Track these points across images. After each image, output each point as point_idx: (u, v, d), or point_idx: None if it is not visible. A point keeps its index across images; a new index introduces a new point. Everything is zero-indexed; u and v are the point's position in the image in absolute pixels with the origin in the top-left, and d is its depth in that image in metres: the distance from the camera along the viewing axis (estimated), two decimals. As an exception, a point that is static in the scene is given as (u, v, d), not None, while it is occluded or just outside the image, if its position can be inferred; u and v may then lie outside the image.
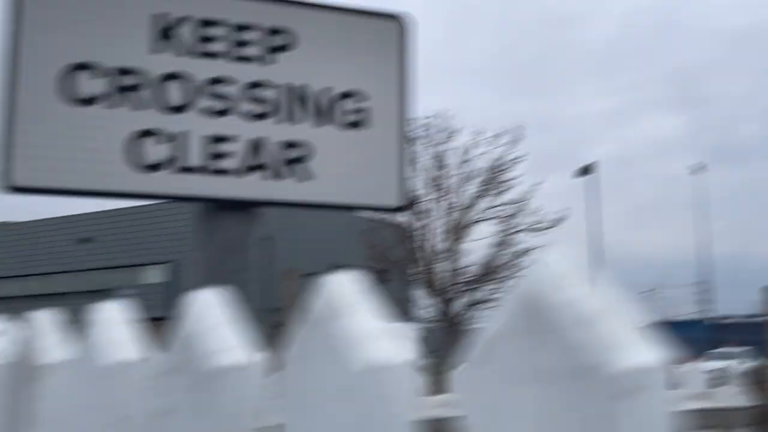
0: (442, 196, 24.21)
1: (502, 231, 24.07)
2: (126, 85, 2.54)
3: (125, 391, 1.26)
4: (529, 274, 0.80)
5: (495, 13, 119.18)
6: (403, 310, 27.60)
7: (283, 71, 2.75)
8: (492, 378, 0.81)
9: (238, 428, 1.03)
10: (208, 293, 1.15)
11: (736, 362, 24.77)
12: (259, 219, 2.78)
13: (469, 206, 24.21)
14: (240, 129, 2.68)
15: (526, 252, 23.07)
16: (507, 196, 23.93)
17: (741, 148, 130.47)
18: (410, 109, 2.98)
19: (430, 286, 24.10)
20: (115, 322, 1.36)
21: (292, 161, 2.74)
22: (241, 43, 2.71)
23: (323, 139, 2.79)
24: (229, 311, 1.12)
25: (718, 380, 21.76)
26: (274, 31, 2.75)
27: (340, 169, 2.84)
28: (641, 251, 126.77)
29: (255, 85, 2.70)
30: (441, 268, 24.17)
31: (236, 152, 2.66)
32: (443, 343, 22.75)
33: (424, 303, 25.36)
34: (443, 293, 24.04)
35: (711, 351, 27.25)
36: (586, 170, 19.77)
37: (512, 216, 23.75)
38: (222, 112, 2.66)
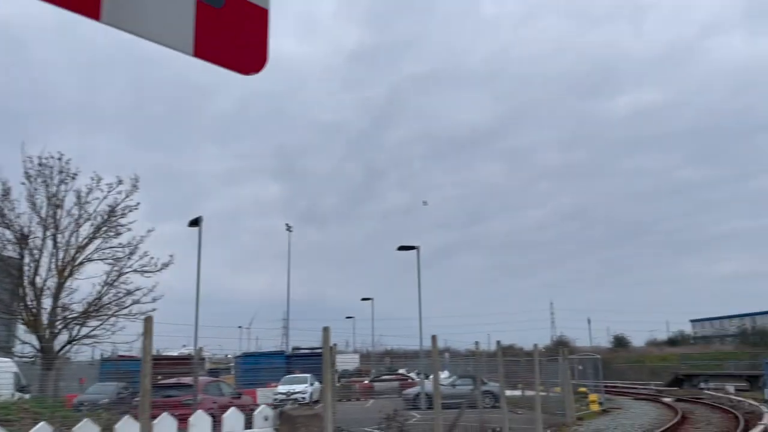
0: (54, 234, 24.29)
1: (112, 271, 25.22)
2: None
3: None
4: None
5: (132, 68, 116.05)
6: (3, 344, 26.18)
7: None
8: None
9: None
10: None
11: (301, 386, 30.30)
12: None
13: (81, 246, 24.78)
14: None
15: (133, 292, 24.71)
16: (120, 239, 25.27)
17: (322, 214, 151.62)
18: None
19: (33, 321, 23.76)
20: None
21: None
22: None
23: None
24: None
25: (283, 401, 26.32)
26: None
27: None
28: (243, 291, 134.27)
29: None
30: (46, 304, 24.06)
31: None
32: (41, 378, 22.76)
33: (25, 338, 24.70)
34: (46, 328, 23.93)
35: (286, 377, 32.44)
36: (195, 222, 22.75)
37: (123, 258, 25.14)
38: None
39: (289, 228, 57.03)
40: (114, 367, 29.39)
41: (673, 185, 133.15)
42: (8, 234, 23.81)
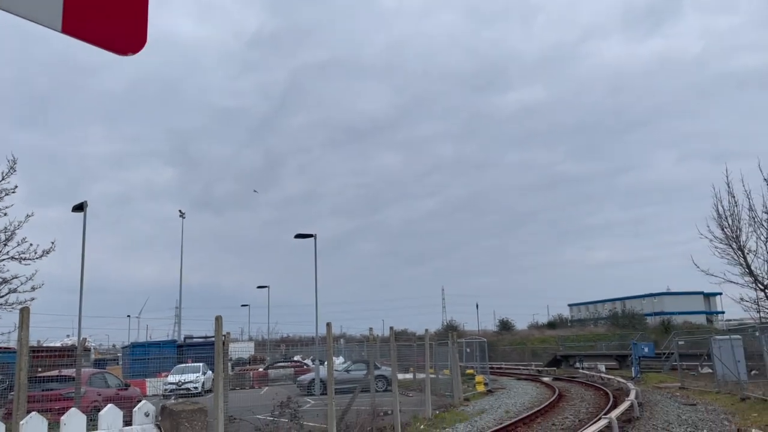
0: None
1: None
2: None
3: None
4: None
5: (11, 43, 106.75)
6: None
7: None
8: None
9: None
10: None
11: (193, 376, 29.45)
12: None
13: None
14: None
15: (9, 280, 22.92)
16: (-5, 225, 23.33)
17: (218, 201, 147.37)
18: None
19: None
20: None
21: None
22: None
23: None
24: None
25: (174, 391, 25.42)
26: None
27: None
28: (134, 280, 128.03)
29: None
30: None
31: None
32: None
33: None
34: None
35: (177, 366, 31.40)
36: (80, 207, 21.49)
37: (-1, 245, 23.28)
38: None
39: (182, 214, 55.05)
40: (-12, 359, 27.29)
41: (555, 178, 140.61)
42: None
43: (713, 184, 20.73)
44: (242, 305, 70.25)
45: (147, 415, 3.10)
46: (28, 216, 24.45)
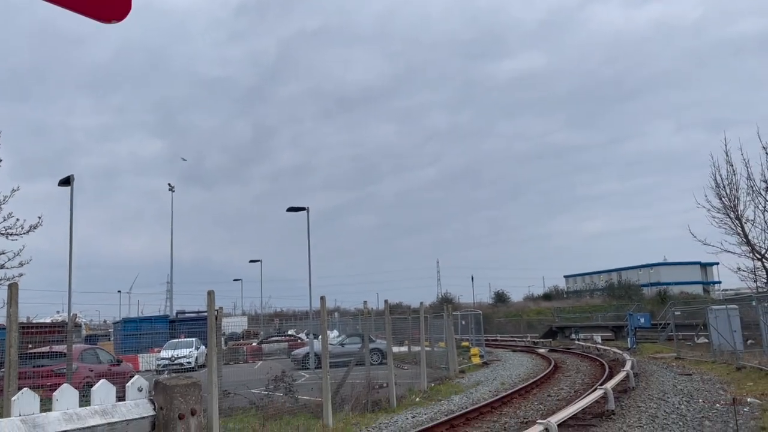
0: None
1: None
2: None
3: None
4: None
5: None
6: None
7: None
8: None
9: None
10: None
11: (185, 351, 29.64)
12: None
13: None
14: None
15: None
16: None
17: (208, 174, 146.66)
18: None
19: None
20: None
21: None
22: None
23: None
24: None
25: (167, 366, 25.56)
26: None
27: None
28: (124, 254, 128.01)
29: None
30: None
31: None
32: None
33: None
34: None
35: (169, 341, 31.58)
36: (67, 180, 21.33)
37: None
38: None
39: (171, 188, 54.86)
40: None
41: (551, 148, 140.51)
42: None
43: (711, 153, 20.78)
44: (234, 280, 70.70)
45: (140, 390, 3.13)
46: (13, 190, 24.21)
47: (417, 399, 17.42)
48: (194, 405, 3.14)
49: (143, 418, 2.90)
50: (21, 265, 23.96)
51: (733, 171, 18.98)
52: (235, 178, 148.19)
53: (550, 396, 17.91)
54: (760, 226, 18.31)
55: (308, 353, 27.81)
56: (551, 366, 26.84)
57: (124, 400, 2.92)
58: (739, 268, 18.90)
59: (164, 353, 29.12)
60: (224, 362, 18.25)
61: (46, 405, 2.82)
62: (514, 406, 16.10)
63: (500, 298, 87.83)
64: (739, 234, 18.76)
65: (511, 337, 56.63)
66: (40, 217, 24.44)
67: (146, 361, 27.52)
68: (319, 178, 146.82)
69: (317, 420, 12.97)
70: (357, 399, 15.34)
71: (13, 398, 2.58)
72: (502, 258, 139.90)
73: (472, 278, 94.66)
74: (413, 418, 14.51)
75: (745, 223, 18.66)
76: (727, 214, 19.08)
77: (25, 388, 2.71)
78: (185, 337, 31.52)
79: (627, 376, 17.98)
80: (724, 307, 29.32)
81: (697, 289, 78.29)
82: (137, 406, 2.91)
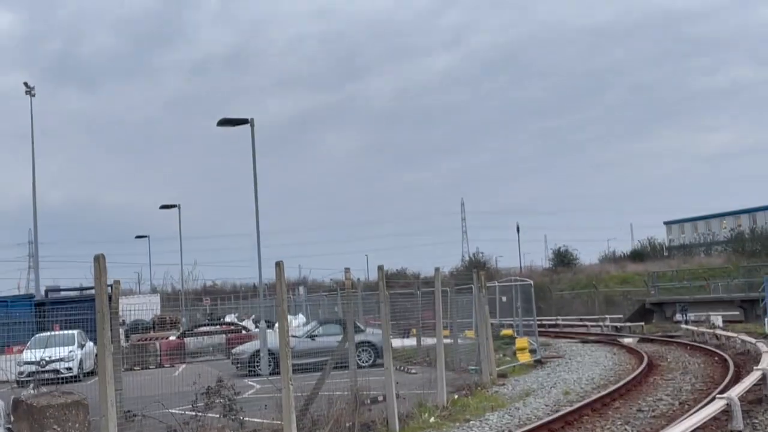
0: None
1: None
2: None
3: None
4: None
5: None
6: None
7: None
8: None
9: None
10: None
11: (64, 350, 29.89)
12: None
13: None
14: None
15: None
16: None
17: (89, 66, 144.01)
18: None
19: None
20: None
21: None
22: None
23: None
24: None
25: (35, 374, 26.00)
26: None
27: None
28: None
29: None
30: None
31: None
32: None
33: None
34: None
35: (36, 336, 31.83)
36: None
37: None
38: None
39: (29, 90, 54.28)
40: None
41: (649, 15, 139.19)
42: None
43: None
44: (137, 237, 70.66)
45: (-7, 414, 3.13)
46: None
47: (432, 419, 17.72)
48: (78, 435, 3.21)
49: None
50: None
51: None
52: (132, 72, 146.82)
53: (642, 411, 18.24)
54: None
55: (258, 351, 28.07)
56: (643, 364, 27.26)
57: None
58: None
59: (29, 354, 29.37)
60: (125, 367, 18.39)
61: None
62: (585, 428, 16.41)
63: (563, 259, 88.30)
64: None
65: (580, 319, 57.24)
66: None
67: (0, 366, 27.77)
68: (268, 71, 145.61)
69: (275, 454, 13.18)
70: (337, 421, 15.58)
71: None
72: (564, 196, 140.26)
73: (518, 228, 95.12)
74: (426, 448, 14.78)
75: None
76: None
77: None
78: (62, 329, 31.77)
79: (763, 379, 18.26)
80: None
81: None
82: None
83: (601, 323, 52.32)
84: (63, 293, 48.99)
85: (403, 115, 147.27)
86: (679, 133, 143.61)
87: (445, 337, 22.86)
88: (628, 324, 49.91)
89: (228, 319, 50.53)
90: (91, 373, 27.44)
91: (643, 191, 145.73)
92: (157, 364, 32.63)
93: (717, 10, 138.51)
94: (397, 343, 24.90)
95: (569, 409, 18.20)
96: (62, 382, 22.60)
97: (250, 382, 23.86)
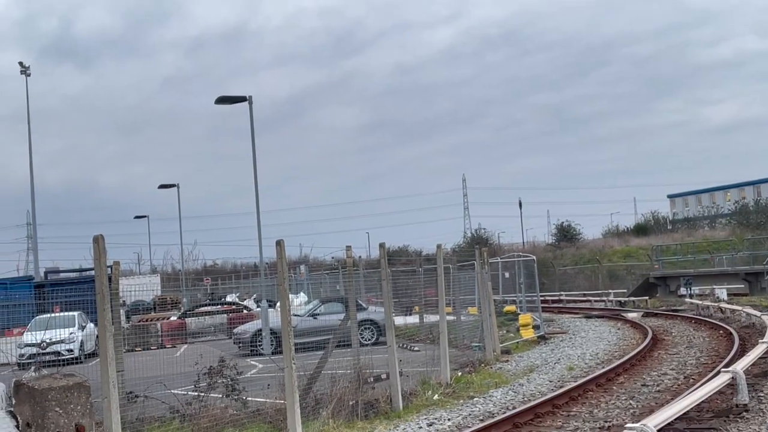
0: None
1: None
2: None
3: None
4: None
5: None
6: None
7: None
8: None
9: None
10: None
11: (66, 331, 30.01)
12: None
13: None
14: None
15: None
16: None
17: (85, 44, 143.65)
18: None
19: None
20: None
21: None
22: None
23: None
24: None
25: (36, 356, 26.16)
26: None
27: None
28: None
29: None
30: None
31: None
32: None
33: None
34: None
35: (37, 318, 31.93)
36: None
37: None
38: None
39: (25, 69, 54.16)
40: None
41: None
42: None
43: None
44: (136, 217, 70.79)
45: (-7, 398, 3.15)
46: None
47: (435, 397, 17.80)
48: (81, 418, 3.22)
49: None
50: None
51: None
52: (129, 50, 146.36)
53: (646, 386, 18.32)
54: None
55: (260, 331, 28.16)
56: (648, 339, 27.33)
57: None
58: None
59: (29, 336, 29.47)
60: (127, 348, 18.46)
61: None
62: (590, 404, 16.46)
63: (566, 234, 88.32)
64: None
65: (584, 295, 57.37)
66: None
67: (0, 349, 27.85)
68: (266, 47, 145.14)
69: (278, 434, 13.23)
70: (340, 399, 15.64)
71: None
72: (566, 171, 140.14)
73: (520, 204, 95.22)
74: (430, 426, 14.84)
75: None
76: None
77: None
78: (62, 311, 31.86)
79: (768, 352, 18.33)
80: None
81: None
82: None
83: (605, 298, 52.52)
84: (62, 275, 49.14)
85: (402, 90, 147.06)
86: (679, 106, 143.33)
87: (448, 314, 22.93)
88: (632, 299, 50.05)
89: (229, 299, 50.64)
90: (93, 355, 27.55)
91: (647, 165, 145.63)
92: (158, 344, 32.78)
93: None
94: (399, 320, 25.00)
95: (573, 384, 18.26)
96: (63, 364, 22.69)
97: (252, 362, 23.97)
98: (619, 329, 33.81)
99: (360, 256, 52.44)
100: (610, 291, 55.32)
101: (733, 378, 14.31)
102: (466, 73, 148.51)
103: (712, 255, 57.97)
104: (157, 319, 37.86)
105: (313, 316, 28.84)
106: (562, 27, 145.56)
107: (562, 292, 60.27)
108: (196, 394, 15.16)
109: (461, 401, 17.43)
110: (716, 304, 37.74)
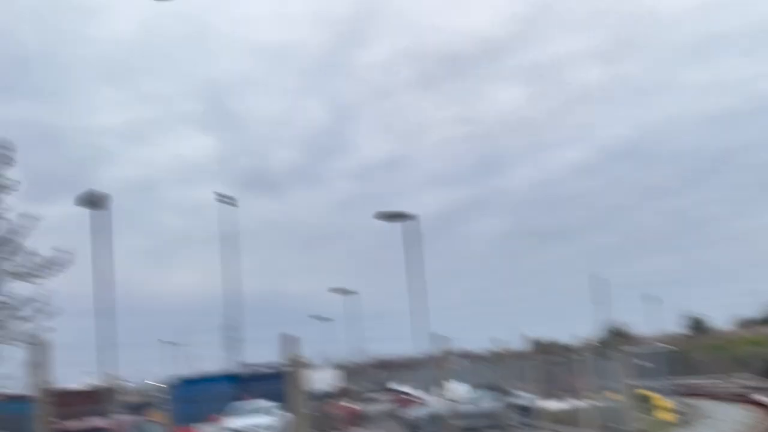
0: None
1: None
2: None
3: None
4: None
5: None
6: None
7: None
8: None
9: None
10: None
11: (265, 419, 30.56)
12: None
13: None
14: None
15: (20, 306, 24.36)
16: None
17: (273, 175, 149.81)
18: None
19: None
20: None
21: None
22: None
23: None
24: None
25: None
26: None
27: None
28: (164, 292, 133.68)
29: None
30: None
31: None
32: None
33: None
34: None
35: (235, 404, 32.62)
36: (93, 201, 22.51)
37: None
38: None
39: (223, 198, 56.10)
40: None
41: (763, 97, 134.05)
42: None
43: None
44: (315, 317, 71.55)
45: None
46: (33, 219, 25.45)
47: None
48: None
49: None
50: (48, 315, 25.40)
51: None
52: (309, 179, 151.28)
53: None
54: None
55: (431, 415, 27.97)
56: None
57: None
58: None
59: (233, 422, 30.08)
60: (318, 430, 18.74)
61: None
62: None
63: (698, 325, 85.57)
64: None
65: (717, 380, 54.80)
66: (70, 252, 25.72)
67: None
68: (420, 170, 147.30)
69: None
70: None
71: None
72: (692, 268, 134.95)
73: (654, 299, 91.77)
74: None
75: None
76: None
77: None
78: (255, 399, 32.46)
79: None
80: None
81: None
82: None
83: (736, 382, 50.07)
84: (260, 369, 50.16)
85: (539, 201, 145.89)
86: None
87: (591, 399, 22.28)
88: (760, 385, 47.47)
89: (394, 387, 50.50)
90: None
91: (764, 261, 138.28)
92: (337, 428, 32.94)
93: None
94: (547, 405, 24.45)
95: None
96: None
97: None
98: (750, 412, 31.96)
99: (508, 347, 51.66)
100: (741, 375, 52.89)
101: None
102: (595, 182, 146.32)
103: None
104: (337, 407, 38.17)
105: (473, 402, 28.53)
106: (683, 139, 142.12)
107: (692, 378, 57.73)
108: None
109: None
110: None
